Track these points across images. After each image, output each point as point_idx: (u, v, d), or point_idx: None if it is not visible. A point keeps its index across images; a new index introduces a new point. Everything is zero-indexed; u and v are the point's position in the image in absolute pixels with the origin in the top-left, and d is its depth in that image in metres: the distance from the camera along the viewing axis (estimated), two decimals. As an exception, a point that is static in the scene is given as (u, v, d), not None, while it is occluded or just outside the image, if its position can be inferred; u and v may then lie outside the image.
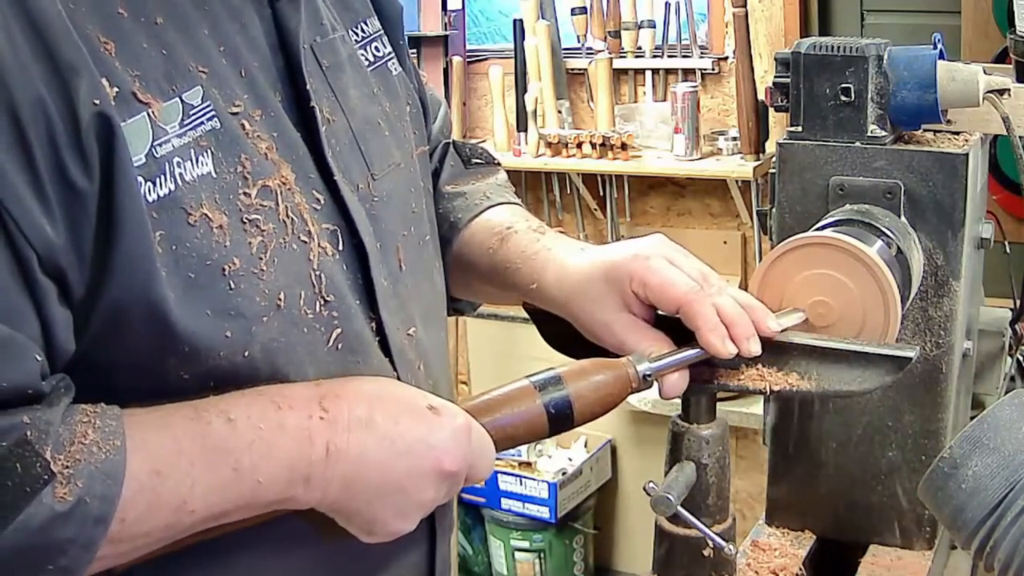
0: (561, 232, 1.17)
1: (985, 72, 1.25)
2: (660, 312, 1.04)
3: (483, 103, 3.45)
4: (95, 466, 0.77)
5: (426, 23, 3.39)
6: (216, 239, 0.83)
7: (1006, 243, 1.64)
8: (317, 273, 0.91)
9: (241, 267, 0.84)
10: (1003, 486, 0.97)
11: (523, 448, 3.43)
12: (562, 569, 3.46)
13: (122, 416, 0.80)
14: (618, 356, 1.01)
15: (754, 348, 1.00)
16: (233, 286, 0.84)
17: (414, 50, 3.38)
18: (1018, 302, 1.64)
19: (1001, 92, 1.25)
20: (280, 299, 0.87)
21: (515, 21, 3.26)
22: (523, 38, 3.23)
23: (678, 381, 1.01)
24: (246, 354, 0.86)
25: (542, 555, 3.43)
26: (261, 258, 0.86)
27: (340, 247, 0.94)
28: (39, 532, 0.75)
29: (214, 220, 0.83)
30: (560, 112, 3.25)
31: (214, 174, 0.84)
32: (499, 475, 3.39)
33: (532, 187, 3.42)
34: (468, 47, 3.49)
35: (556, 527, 3.38)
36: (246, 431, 0.83)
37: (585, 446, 3.53)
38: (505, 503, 3.40)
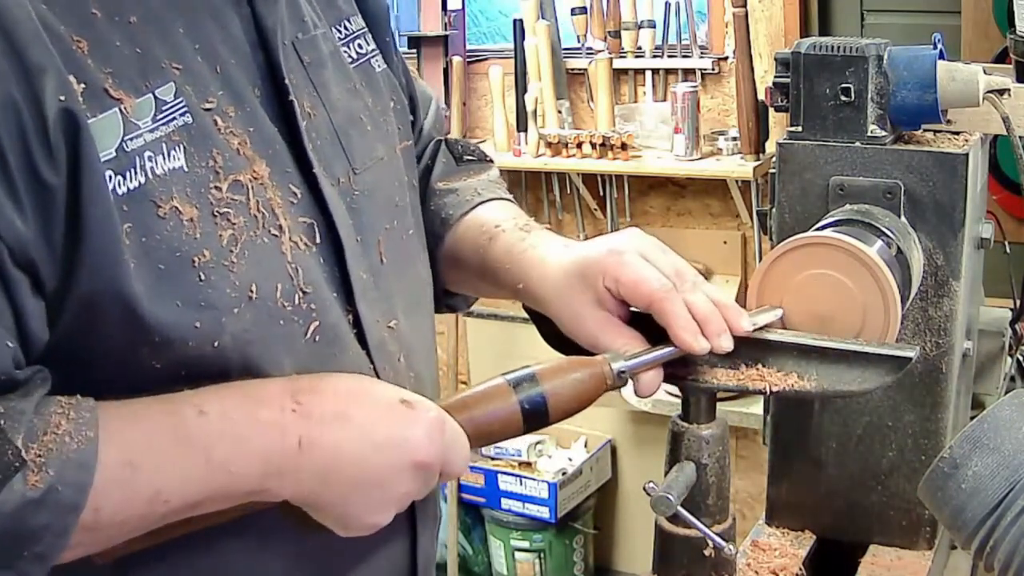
0: (548, 228, 1.17)
1: (985, 72, 1.25)
2: (634, 309, 1.04)
3: (483, 103, 3.45)
4: (67, 455, 0.79)
5: (426, 23, 3.39)
6: (186, 231, 0.84)
7: (1006, 243, 1.64)
8: (293, 266, 0.92)
9: (211, 259, 0.86)
10: (1003, 486, 0.97)
11: (523, 448, 3.43)
12: (562, 569, 3.46)
13: (96, 408, 0.82)
14: (594, 354, 1.01)
15: (725, 344, 1.00)
16: (203, 277, 0.85)
17: (414, 50, 3.38)
18: (1018, 302, 1.64)
19: (1001, 92, 1.25)
20: (252, 291, 0.88)
21: (515, 21, 3.26)
22: (523, 38, 3.23)
23: (653, 379, 1.01)
24: (215, 344, 0.87)
25: (542, 555, 3.43)
26: (232, 251, 0.87)
27: (317, 240, 0.95)
28: (11, 518, 0.77)
29: (184, 213, 0.84)
30: (560, 112, 3.25)
31: (185, 168, 0.85)
32: (499, 475, 3.39)
33: (532, 187, 3.42)
34: (468, 47, 3.49)
35: (556, 527, 3.38)
36: (219, 423, 0.85)
37: (585, 446, 3.53)
38: (505, 503, 3.40)
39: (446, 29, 3.39)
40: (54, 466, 0.78)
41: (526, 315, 1.16)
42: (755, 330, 1.03)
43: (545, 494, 3.32)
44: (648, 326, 1.03)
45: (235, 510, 0.89)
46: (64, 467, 0.78)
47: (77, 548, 0.82)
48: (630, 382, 1.01)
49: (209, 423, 0.84)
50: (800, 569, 1.29)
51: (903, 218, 1.22)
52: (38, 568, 0.80)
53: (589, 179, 3.32)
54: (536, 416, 0.96)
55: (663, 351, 1.01)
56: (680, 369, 1.03)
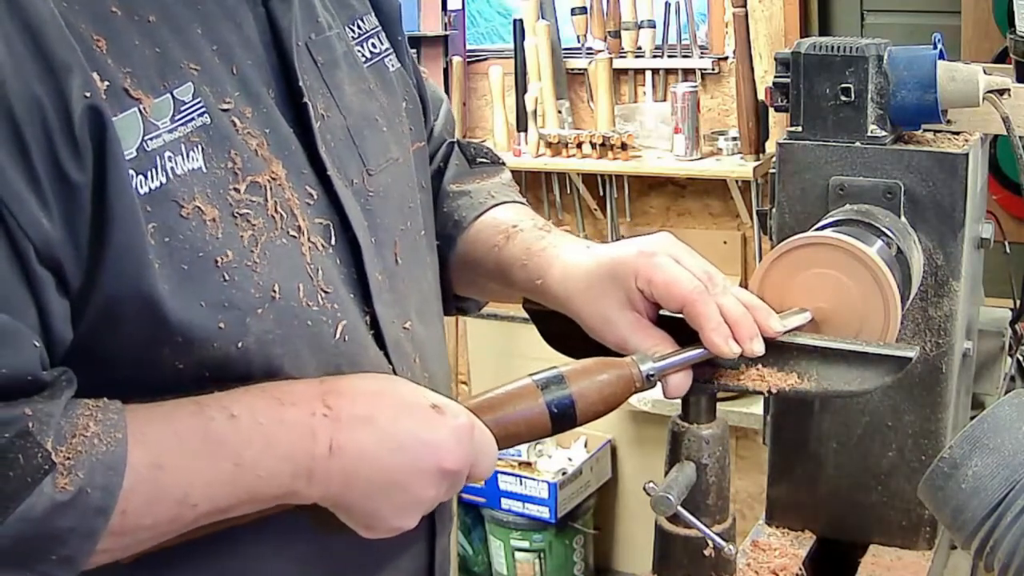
0: (567, 231, 1.17)
1: (985, 72, 1.25)
2: (663, 312, 1.04)
3: (483, 103, 3.45)
4: (96, 458, 0.79)
5: (426, 23, 3.39)
6: (209, 232, 0.84)
7: (1006, 243, 1.64)
8: (313, 267, 0.92)
9: (234, 259, 0.86)
10: (1003, 486, 0.97)
11: (523, 448, 3.43)
12: (562, 569, 3.46)
13: (124, 410, 0.82)
14: (620, 355, 1.01)
15: (757, 348, 1.00)
16: (227, 278, 0.85)
17: (414, 50, 3.37)
18: (1018, 302, 1.64)
19: (1001, 92, 1.25)
20: (275, 291, 0.88)
21: (515, 21, 3.26)
22: (523, 38, 3.23)
23: (682, 381, 1.01)
24: (239, 345, 0.87)
25: (542, 555, 3.43)
26: (253, 251, 0.87)
27: (333, 241, 0.95)
28: (40, 521, 0.76)
29: (206, 213, 0.84)
30: (560, 112, 3.25)
31: (204, 169, 0.85)
32: (499, 475, 3.39)
33: (532, 187, 3.42)
34: (468, 47, 3.49)
35: (556, 527, 3.38)
36: (248, 426, 0.84)
37: (585, 446, 3.53)
38: (505, 503, 3.40)
39: (446, 29, 3.39)
40: (83, 469, 0.78)
41: (526, 315, 1.16)
42: (785, 332, 1.03)
43: (545, 494, 3.32)
44: (675, 329, 1.02)
45: (259, 513, 0.89)
46: (93, 470, 0.78)
47: (105, 553, 0.82)
48: (657, 384, 1.00)
49: (238, 426, 0.84)
50: (800, 569, 1.29)
51: (903, 218, 1.22)
52: (66, 571, 0.80)
53: (589, 179, 3.32)
54: (564, 418, 0.95)
55: (692, 353, 1.00)
56: (706, 371, 1.03)
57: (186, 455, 0.83)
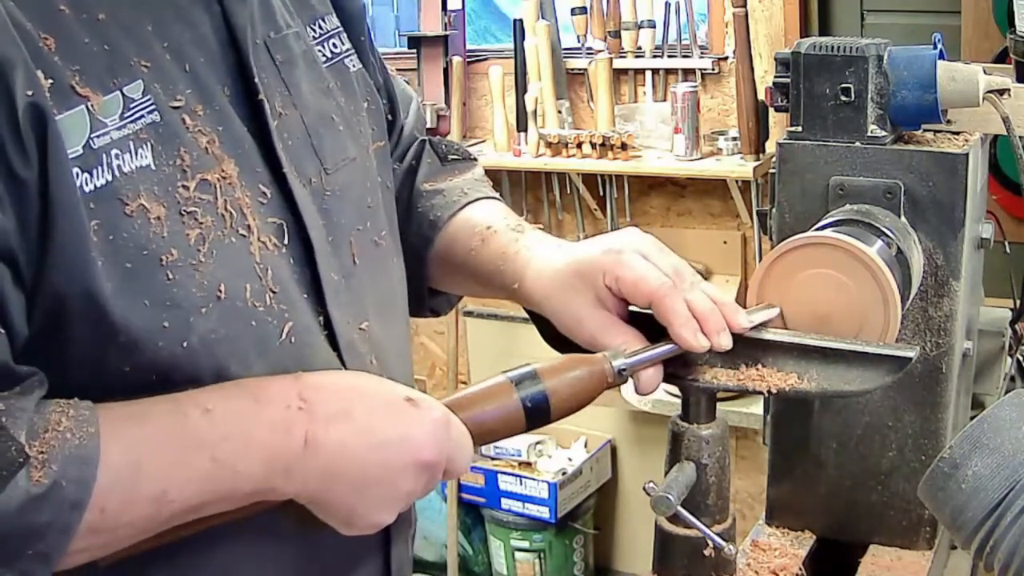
0: (540, 227, 1.17)
1: (985, 72, 1.25)
2: (633, 308, 1.04)
3: (483, 103, 3.45)
4: (69, 451, 0.79)
5: (426, 23, 3.39)
6: (153, 230, 0.84)
7: (1006, 243, 1.64)
8: (262, 266, 0.91)
9: (179, 258, 0.86)
10: (1003, 486, 0.97)
11: (523, 448, 3.43)
12: (562, 569, 3.46)
13: (96, 408, 0.82)
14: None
15: (724, 342, 1.00)
16: (170, 276, 0.85)
17: (414, 50, 3.38)
18: (1018, 302, 1.64)
19: (1001, 92, 1.25)
20: (220, 291, 0.88)
21: (515, 21, 3.26)
22: (523, 38, 3.23)
23: (653, 376, 1.01)
24: (184, 345, 0.86)
25: (542, 555, 3.43)
26: (199, 250, 0.87)
27: (286, 240, 0.95)
28: (16, 515, 0.77)
29: (151, 211, 0.84)
30: (560, 112, 3.25)
31: (153, 166, 0.85)
32: (499, 475, 3.39)
33: (532, 187, 3.42)
34: (468, 47, 3.49)
35: (556, 527, 3.39)
36: (223, 422, 0.85)
37: (585, 446, 3.53)
38: (505, 503, 3.40)
39: (446, 29, 3.39)
40: (57, 462, 0.78)
41: (526, 315, 1.16)
42: (753, 328, 1.03)
43: (545, 494, 3.32)
44: (647, 326, 1.03)
45: (239, 511, 0.89)
46: (67, 462, 0.78)
47: (84, 552, 0.82)
48: (630, 380, 1.01)
49: (214, 422, 0.84)
50: (800, 569, 1.29)
51: (903, 218, 1.22)
52: (42, 567, 0.79)
53: (589, 179, 3.32)
54: (538, 414, 0.96)
55: (663, 348, 1.01)
56: (680, 369, 1.03)
57: (162, 452, 0.83)
